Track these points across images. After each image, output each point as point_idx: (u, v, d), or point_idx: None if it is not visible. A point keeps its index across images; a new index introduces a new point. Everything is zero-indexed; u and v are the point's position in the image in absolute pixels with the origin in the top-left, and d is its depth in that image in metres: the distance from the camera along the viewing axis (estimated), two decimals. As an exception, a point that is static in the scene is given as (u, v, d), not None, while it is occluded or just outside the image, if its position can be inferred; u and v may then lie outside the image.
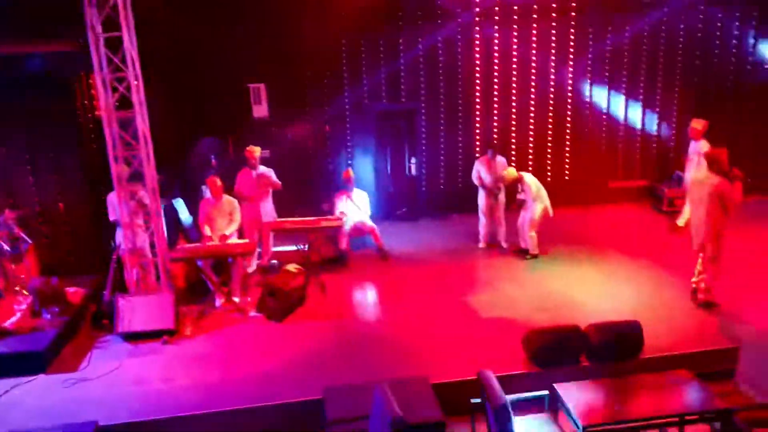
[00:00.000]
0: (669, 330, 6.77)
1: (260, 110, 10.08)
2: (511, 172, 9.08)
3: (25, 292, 7.67)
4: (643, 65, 11.24)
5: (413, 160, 11.03)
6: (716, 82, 11.38)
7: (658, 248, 9.27)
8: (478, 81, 10.91)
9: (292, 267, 8.00)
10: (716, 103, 11.23)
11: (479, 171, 9.46)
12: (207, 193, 8.42)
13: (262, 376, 6.31)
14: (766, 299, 7.43)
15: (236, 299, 7.89)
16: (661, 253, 9.05)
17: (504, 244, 9.54)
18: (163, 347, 6.98)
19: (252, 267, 8.84)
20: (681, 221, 9.57)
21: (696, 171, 9.02)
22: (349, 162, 10.85)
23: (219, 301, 7.91)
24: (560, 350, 6.16)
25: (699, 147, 9.34)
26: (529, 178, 8.99)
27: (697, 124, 9.59)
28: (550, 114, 11.23)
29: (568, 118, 11.29)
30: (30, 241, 7.96)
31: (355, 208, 9.24)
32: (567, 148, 11.43)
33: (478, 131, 11.09)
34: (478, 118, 11.06)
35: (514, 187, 9.16)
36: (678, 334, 6.69)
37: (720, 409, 4.77)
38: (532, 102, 11.13)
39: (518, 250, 9.28)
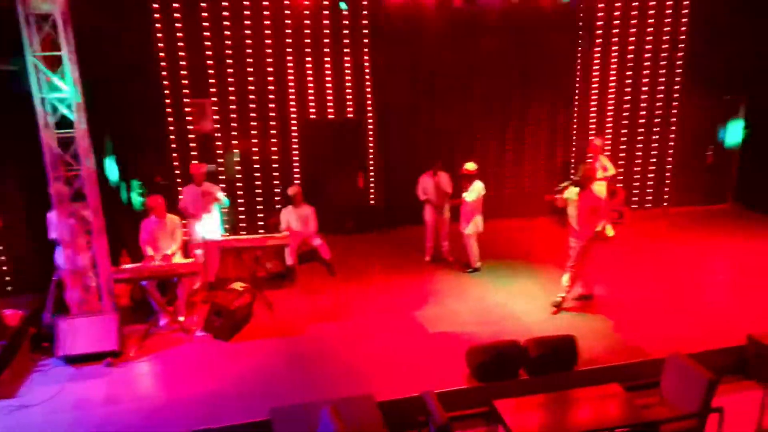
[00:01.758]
0: (602, 343, 7.13)
1: (205, 125, 10.02)
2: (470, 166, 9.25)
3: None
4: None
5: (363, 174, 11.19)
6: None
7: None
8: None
9: (237, 285, 8.02)
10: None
11: (424, 186, 9.67)
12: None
13: (209, 397, 6.31)
14: (692, 310, 7.93)
15: (181, 318, 7.85)
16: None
17: (449, 258, 9.80)
18: (107, 369, 6.89)
19: (197, 285, 8.79)
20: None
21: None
22: (296, 176, 10.90)
23: (164, 321, 7.85)
24: (501, 365, 6.40)
25: (602, 163, 10.33)
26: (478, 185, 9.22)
27: (598, 141, 10.53)
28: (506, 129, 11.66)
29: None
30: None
31: (300, 224, 9.30)
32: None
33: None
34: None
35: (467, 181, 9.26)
36: (610, 347, 7.05)
37: (646, 422, 5.09)
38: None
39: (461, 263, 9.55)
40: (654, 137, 12.03)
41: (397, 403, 6.01)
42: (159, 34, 9.76)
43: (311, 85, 10.71)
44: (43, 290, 7.69)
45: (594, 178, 8.07)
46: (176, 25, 9.83)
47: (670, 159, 12.13)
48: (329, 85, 10.76)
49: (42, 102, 6.83)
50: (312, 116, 10.84)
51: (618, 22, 11.36)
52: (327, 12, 10.37)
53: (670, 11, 11.43)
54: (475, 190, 9.13)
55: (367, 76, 10.86)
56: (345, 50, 10.68)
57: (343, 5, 9.70)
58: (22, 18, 6.53)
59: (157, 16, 9.69)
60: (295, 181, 10.12)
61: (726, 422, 5.20)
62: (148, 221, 8.12)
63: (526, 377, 6.46)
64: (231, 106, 10.35)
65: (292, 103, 10.69)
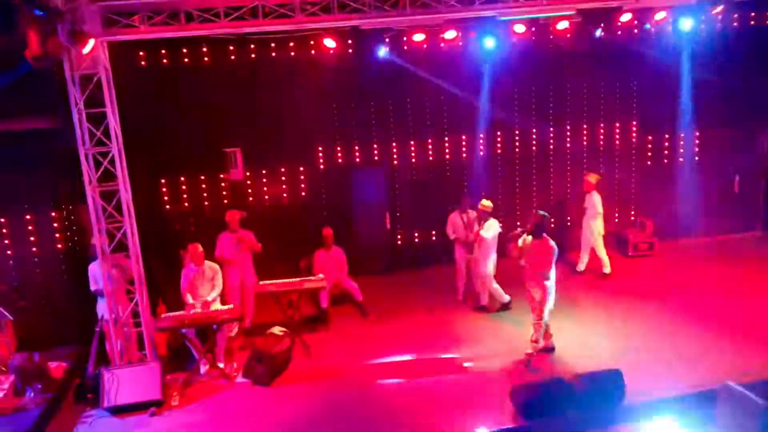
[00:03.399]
0: (649, 375, 7.05)
1: (236, 173, 10.21)
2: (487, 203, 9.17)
3: (3, 368, 7.53)
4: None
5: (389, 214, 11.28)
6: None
7: (628, 293, 9.64)
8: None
9: (276, 330, 8.07)
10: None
11: (453, 224, 9.72)
12: (188, 259, 8.46)
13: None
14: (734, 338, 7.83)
15: (221, 365, 7.88)
16: (632, 297, 9.43)
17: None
18: (151, 419, 6.92)
19: (234, 331, 8.84)
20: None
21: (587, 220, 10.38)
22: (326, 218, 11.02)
23: (204, 368, 7.89)
24: (547, 402, 6.34)
25: (593, 199, 10.29)
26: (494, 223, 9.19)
27: (592, 177, 10.43)
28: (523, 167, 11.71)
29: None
30: (9, 317, 7.85)
31: (334, 266, 9.37)
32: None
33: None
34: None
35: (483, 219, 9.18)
36: (660, 379, 6.96)
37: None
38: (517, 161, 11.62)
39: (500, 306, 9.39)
40: (678, 167, 12.06)
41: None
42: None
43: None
44: (84, 342, 7.77)
45: (547, 227, 7.72)
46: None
47: (698, 188, 12.12)
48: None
49: (86, 157, 7.05)
50: (339, 161, 11.03)
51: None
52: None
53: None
54: (492, 228, 9.09)
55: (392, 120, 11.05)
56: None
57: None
58: (68, 78, 6.81)
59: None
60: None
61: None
62: (188, 269, 8.23)
63: (573, 414, 6.39)
64: (261, 153, 10.55)
65: (319, 148, 10.90)
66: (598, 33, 8.88)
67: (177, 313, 7.86)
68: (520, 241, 7.67)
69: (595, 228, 10.37)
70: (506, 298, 9.30)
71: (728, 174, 12.23)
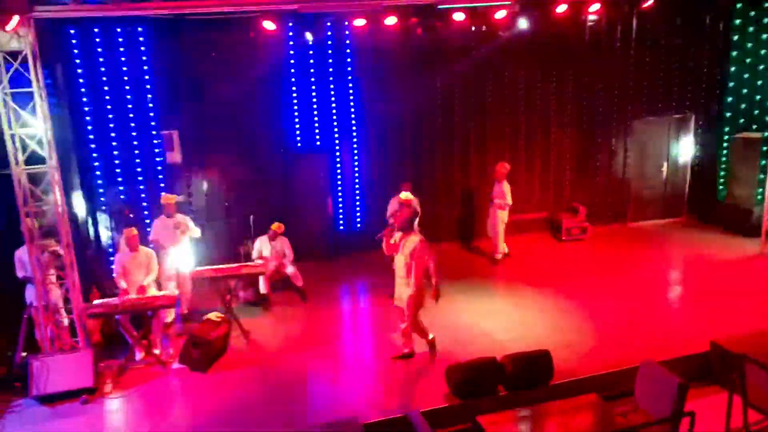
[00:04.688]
0: (577, 355, 7.36)
1: (173, 156, 10.02)
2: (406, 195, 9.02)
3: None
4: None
5: (332, 201, 11.30)
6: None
7: (561, 276, 10.00)
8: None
9: (213, 315, 8.00)
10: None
11: (393, 209, 9.81)
12: (122, 244, 8.29)
13: (190, 430, 6.28)
14: (658, 319, 8.25)
15: (157, 351, 7.78)
16: (563, 280, 9.79)
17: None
18: (84, 407, 6.78)
19: (170, 317, 8.73)
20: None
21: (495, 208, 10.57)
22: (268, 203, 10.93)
23: (139, 355, 7.77)
24: (480, 382, 6.55)
25: (503, 188, 10.52)
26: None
27: (503, 168, 10.65)
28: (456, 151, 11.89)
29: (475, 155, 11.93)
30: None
31: (274, 252, 9.34)
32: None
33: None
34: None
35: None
36: (584, 359, 7.28)
37: (622, 429, 5.30)
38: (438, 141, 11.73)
39: None
40: (608, 156, 12.54)
41: (382, 425, 6.09)
42: (124, 68, 9.77)
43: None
44: (10, 329, 7.52)
45: (415, 218, 7.18)
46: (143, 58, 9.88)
47: (626, 176, 12.65)
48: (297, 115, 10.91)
49: (12, 138, 6.79)
50: (284, 146, 10.94)
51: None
52: (292, 42, 10.54)
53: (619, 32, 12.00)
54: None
55: (334, 106, 11.04)
56: (311, 80, 10.85)
57: (308, 35, 9.86)
58: (-9, 56, 6.53)
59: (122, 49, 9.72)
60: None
61: (697, 426, 5.44)
62: (122, 254, 8.06)
63: (505, 393, 6.62)
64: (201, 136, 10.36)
65: (263, 133, 10.76)
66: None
67: (110, 299, 7.70)
68: (393, 240, 7.20)
69: (501, 216, 10.65)
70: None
71: (658, 162, 12.80)
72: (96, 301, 7.72)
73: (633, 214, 12.79)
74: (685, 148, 12.85)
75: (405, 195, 8.94)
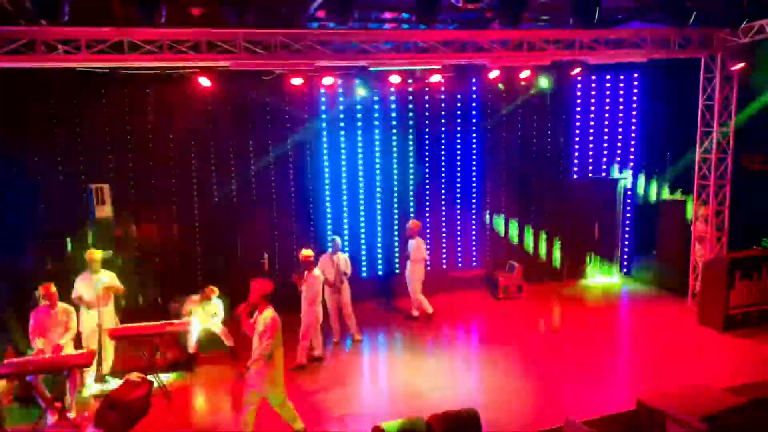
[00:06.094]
0: (504, 413, 7.30)
1: (103, 210, 9.77)
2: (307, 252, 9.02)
3: None
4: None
5: (265, 256, 11.15)
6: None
7: (494, 334, 10.03)
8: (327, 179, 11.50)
9: (133, 375, 7.65)
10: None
11: (323, 266, 9.69)
12: (40, 300, 7.93)
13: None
14: (587, 377, 8.31)
15: (71, 415, 7.36)
16: (496, 338, 9.81)
17: (357, 336, 9.82)
18: (-16, 478, 6.32)
19: (89, 378, 8.30)
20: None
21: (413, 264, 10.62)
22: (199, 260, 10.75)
23: (52, 419, 7.33)
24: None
25: (417, 244, 10.66)
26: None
27: (414, 224, 10.80)
28: (395, 210, 11.99)
29: (411, 214, 12.04)
30: None
31: (204, 313, 9.08)
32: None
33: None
34: (329, 213, 11.55)
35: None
36: (511, 417, 7.23)
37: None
38: (378, 200, 11.82)
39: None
40: (544, 217, 12.86)
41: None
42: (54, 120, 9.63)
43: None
44: None
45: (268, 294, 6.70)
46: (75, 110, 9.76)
47: (561, 236, 12.96)
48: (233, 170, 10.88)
49: None
50: (216, 200, 10.85)
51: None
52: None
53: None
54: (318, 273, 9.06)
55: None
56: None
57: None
58: None
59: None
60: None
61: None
62: (38, 310, 7.71)
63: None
64: (131, 191, 10.18)
65: (194, 187, 10.66)
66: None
67: (22, 358, 7.30)
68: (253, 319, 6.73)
69: (418, 272, 10.69)
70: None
71: (591, 222, 13.15)
72: (6, 361, 7.31)
73: (569, 273, 13.04)
74: (619, 207, 13.26)
75: (306, 252, 8.99)
